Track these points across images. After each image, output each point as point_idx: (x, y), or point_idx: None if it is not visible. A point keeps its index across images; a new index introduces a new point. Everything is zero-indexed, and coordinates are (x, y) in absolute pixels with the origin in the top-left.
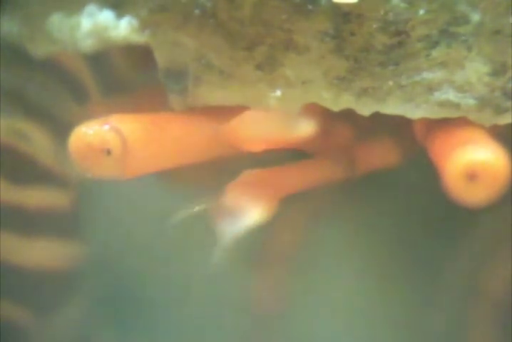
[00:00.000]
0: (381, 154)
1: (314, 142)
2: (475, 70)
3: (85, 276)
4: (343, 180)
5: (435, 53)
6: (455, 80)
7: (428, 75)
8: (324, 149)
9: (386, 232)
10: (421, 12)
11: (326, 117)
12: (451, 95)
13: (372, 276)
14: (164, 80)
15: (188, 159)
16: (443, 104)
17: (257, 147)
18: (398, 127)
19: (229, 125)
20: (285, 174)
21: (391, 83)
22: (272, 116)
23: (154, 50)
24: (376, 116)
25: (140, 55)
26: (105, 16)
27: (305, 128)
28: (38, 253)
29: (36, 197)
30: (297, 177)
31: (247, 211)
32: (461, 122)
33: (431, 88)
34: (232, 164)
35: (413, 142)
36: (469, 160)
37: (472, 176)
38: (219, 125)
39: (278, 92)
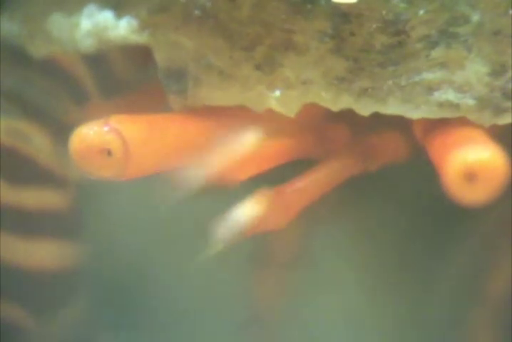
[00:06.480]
0: (392, 146)
1: (317, 147)
2: (475, 70)
3: (85, 276)
4: (358, 175)
5: (435, 53)
6: (454, 80)
7: (427, 76)
8: (330, 150)
9: (386, 233)
10: (421, 12)
11: (327, 116)
12: (451, 96)
13: (372, 276)
14: (164, 81)
15: (188, 159)
16: (443, 104)
17: (250, 171)
18: (405, 120)
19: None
20: (303, 186)
21: (390, 83)
22: (221, 151)
23: (153, 50)
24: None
25: (139, 56)
26: (105, 16)
27: (252, 136)
28: (38, 253)
29: (35, 198)
30: (315, 185)
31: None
32: (461, 122)
33: (430, 88)
34: None
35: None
36: (468, 160)
37: (471, 176)
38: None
39: (277, 93)
